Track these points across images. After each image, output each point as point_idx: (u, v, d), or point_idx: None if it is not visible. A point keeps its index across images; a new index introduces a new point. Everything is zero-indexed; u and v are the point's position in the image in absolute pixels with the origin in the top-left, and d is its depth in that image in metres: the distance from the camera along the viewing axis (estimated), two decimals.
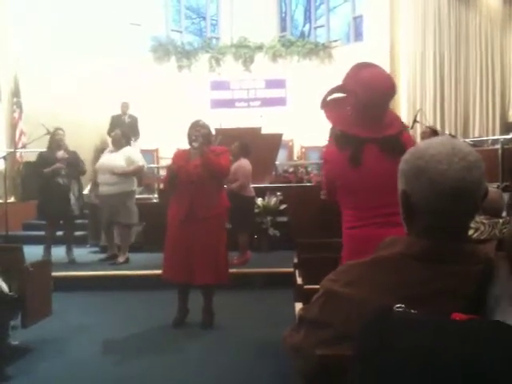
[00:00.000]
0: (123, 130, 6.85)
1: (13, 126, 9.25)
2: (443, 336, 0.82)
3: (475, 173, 1.01)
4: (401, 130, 2.32)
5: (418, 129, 8.47)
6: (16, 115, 9.26)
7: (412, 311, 0.89)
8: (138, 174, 6.43)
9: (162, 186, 6.26)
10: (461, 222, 1.06)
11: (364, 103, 2.20)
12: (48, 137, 6.80)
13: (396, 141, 2.21)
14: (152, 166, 9.79)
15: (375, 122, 2.26)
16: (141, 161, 6.42)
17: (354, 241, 2.28)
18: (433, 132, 6.27)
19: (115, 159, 6.29)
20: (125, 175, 6.21)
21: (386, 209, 2.08)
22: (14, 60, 9.12)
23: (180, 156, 4.34)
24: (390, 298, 0.95)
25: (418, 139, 8.55)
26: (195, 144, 4.15)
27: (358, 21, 11.89)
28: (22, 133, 9.20)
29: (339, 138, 2.32)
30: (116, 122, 9.49)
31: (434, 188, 1.01)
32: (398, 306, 0.89)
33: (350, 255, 2.22)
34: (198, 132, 4.17)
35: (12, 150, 8.43)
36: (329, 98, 2.35)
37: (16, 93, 9.28)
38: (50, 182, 6.25)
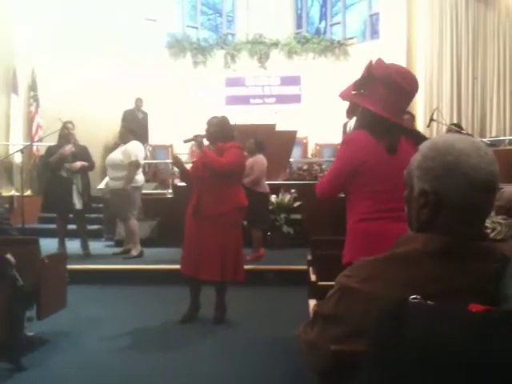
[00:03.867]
0: (128, 125, 6.90)
1: (29, 119, 9.36)
2: (460, 326, 0.81)
3: (496, 166, 1.04)
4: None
5: (435, 127, 8.41)
6: (33, 109, 9.37)
7: (428, 302, 0.88)
8: (133, 169, 6.31)
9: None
10: (485, 217, 1.07)
11: (399, 90, 2.17)
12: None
13: (423, 135, 2.21)
14: (166, 161, 9.83)
15: (402, 114, 2.26)
16: (134, 155, 6.33)
17: (364, 234, 2.20)
18: (459, 129, 6.21)
19: (116, 154, 6.44)
20: (124, 171, 6.26)
21: (398, 202, 2.05)
22: (31, 55, 9.22)
23: (197, 153, 4.41)
24: (406, 294, 0.94)
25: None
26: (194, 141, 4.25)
27: (374, 18, 11.82)
28: (38, 126, 9.31)
29: (374, 123, 2.22)
30: (128, 117, 9.53)
31: (470, 182, 1.01)
32: (414, 297, 0.89)
33: (358, 250, 2.16)
34: (205, 130, 4.24)
35: (28, 143, 8.51)
36: (356, 89, 2.28)
37: (33, 87, 9.39)
38: (54, 174, 6.28)
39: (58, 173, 6.24)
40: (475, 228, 1.05)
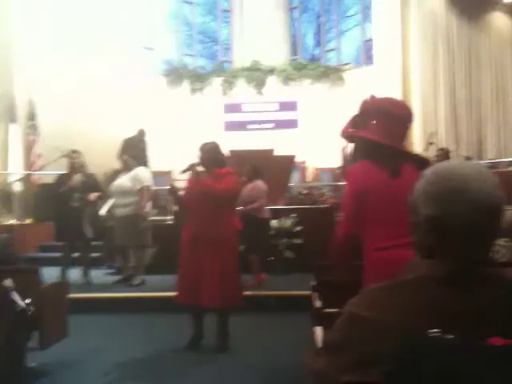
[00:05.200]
0: (132, 152, 6.92)
1: (28, 148, 9.39)
2: (485, 362, 0.82)
3: (500, 191, 1.04)
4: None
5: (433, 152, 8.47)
6: (31, 138, 9.41)
7: (447, 336, 0.88)
8: (145, 194, 6.35)
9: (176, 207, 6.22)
10: (491, 241, 1.07)
11: (395, 118, 2.25)
12: (64, 159, 6.88)
13: (422, 158, 2.26)
14: (166, 187, 9.83)
15: (401, 141, 2.31)
16: (146, 181, 6.39)
17: (380, 264, 2.19)
18: (446, 153, 6.28)
19: (124, 180, 6.40)
20: (134, 197, 6.25)
21: (407, 228, 2.07)
22: (29, 84, 9.30)
23: (190, 180, 4.39)
24: (415, 322, 0.95)
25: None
26: (190, 172, 4.26)
27: (368, 44, 11.99)
28: (37, 155, 9.34)
29: (374, 151, 2.29)
30: (130, 145, 9.49)
31: (474, 207, 1.01)
32: (433, 330, 0.89)
33: (375, 279, 2.13)
34: (198, 157, 4.26)
35: (28, 172, 8.53)
36: (352, 125, 2.38)
37: (31, 116, 9.45)
38: (63, 205, 6.27)
39: (69, 203, 6.23)
40: (481, 253, 1.05)
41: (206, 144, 4.35)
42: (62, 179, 6.38)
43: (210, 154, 4.29)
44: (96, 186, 6.49)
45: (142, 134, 9.70)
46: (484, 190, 1.02)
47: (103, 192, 6.53)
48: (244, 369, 3.87)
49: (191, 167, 4.24)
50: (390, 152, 2.28)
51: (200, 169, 4.27)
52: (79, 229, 6.24)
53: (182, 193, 4.56)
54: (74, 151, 6.53)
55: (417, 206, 1.12)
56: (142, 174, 6.49)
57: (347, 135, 2.42)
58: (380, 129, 2.29)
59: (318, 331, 2.48)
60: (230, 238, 4.28)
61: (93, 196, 6.25)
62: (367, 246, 2.32)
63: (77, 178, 6.29)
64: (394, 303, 1.04)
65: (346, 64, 12.12)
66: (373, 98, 2.38)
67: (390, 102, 2.35)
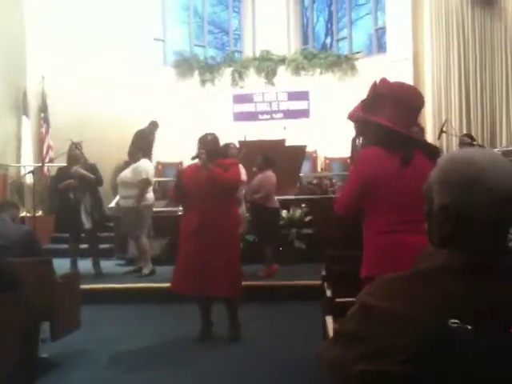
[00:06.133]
0: (140, 144, 6.94)
1: (40, 141, 9.44)
2: (504, 350, 0.79)
3: None
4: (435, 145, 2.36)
5: (445, 140, 8.39)
6: (43, 130, 9.46)
7: (468, 327, 0.86)
8: (144, 187, 6.36)
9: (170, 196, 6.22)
10: (508, 230, 1.04)
11: (405, 104, 2.22)
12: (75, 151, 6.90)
13: (435, 147, 2.24)
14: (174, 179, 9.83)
15: (411, 127, 2.29)
16: (145, 174, 6.39)
17: (382, 247, 2.22)
18: (471, 140, 6.23)
19: (126, 172, 6.50)
20: (134, 189, 6.29)
21: (414, 215, 2.06)
22: (41, 76, 9.33)
23: (190, 169, 4.39)
24: (433, 312, 0.92)
25: (445, 149, 8.46)
26: (199, 161, 4.23)
27: (380, 32, 11.86)
28: (49, 147, 9.38)
29: (387, 138, 2.28)
30: (140, 137, 9.39)
31: (491, 196, 0.99)
32: (453, 321, 0.87)
33: (376, 263, 2.19)
34: (202, 149, 4.23)
35: (39, 164, 8.58)
36: (364, 110, 2.34)
37: (43, 108, 9.49)
38: (62, 196, 6.40)
39: (66, 194, 6.34)
40: (498, 243, 1.02)
41: (207, 135, 4.37)
42: (63, 171, 6.48)
43: (213, 146, 4.32)
44: (94, 174, 6.45)
45: (153, 125, 9.64)
46: (500, 179, 0.99)
47: (99, 179, 6.50)
48: (256, 357, 3.88)
49: (200, 155, 4.22)
50: (401, 139, 2.25)
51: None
52: (77, 220, 6.28)
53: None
54: (73, 143, 6.58)
55: (431, 194, 1.10)
56: (144, 166, 6.51)
57: (357, 119, 2.38)
58: (392, 115, 2.25)
59: (330, 320, 2.47)
60: (234, 228, 4.33)
61: (64, 184, 6.27)
62: (367, 231, 2.33)
63: (74, 169, 6.32)
64: (408, 294, 1.02)
65: (358, 52, 12.00)
66: (384, 81, 2.33)
67: (401, 87, 2.31)
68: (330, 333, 2.43)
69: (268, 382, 3.41)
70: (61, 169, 6.61)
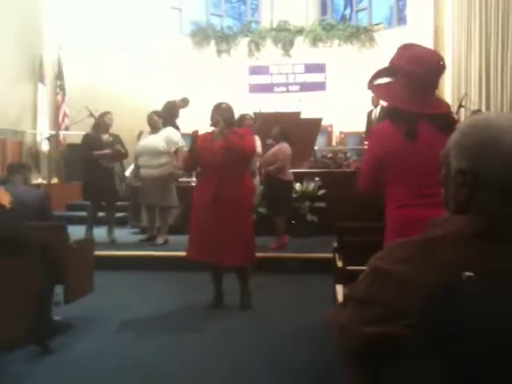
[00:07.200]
0: (159, 112, 6.87)
1: (56, 108, 9.47)
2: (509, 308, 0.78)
3: None
4: (450, 110, 2.29)
5: (463, 114, 8.24)
6: (59, 98, 9.48)
7: (478, 281, 0.85)
8: (180, 156, 6.37)
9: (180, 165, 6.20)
10: None
11: (414, 78, 2.17)
12: (91, 119, 6.91)
13: (448, 118, 2.19)
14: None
15: (425, 99, 2.24)
16: (181, 141, 6.42)
17: (399, 221, 2.22)
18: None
19: (156, 141, 6.29)
20: (166, 158, 6.25)
21: (431, 189, 2.04)
22: (58, 44, 9.31)
23: (203, 138, 4.32)
24: (447, 275, 0.91)
25: None
26: (216, 128, 4.19)
27: (401, 4, 11.61)
28: (65, 115, 9.41)
29: (393, 113, 2.29)
30: (168, 107, 9.06)
31: (507, 160, 0.96)
32: (468, 274, 0.86)
33: (394, 236, 2.18)
34: (219, 116, 4.18)
35: (56, 132, 8.61)
36: (376, 79, 2.31)
37: (59, 76, 9.50)
38: (93, 164, 6.34)
39: (98, 162, 6.33)
40: None
41: (222, 103, 4.33)
42: (92, 138, 6.45)
43: (229, 114, 4.28)
44: (121, 146, 6.54)
45: (183, 101, 9.36)
46: None
47: (125, 152, 6.57)
48: (266, 326, 3.93)
49: (218, 122, 4.18)
50: (404, 114, 2.24)
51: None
52: (112, 188, 6.37)
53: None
54: (108, 112, 6.57)
55: (449, 159, 1.07)
56: (175, 135, 6.49)
57: (370, 88, 2.36)
58: (403, 89, 2.23)
59: (340, 289, 2.47)
60: (248, 198, 4.34)
61: (102, 153, 6.31)
62: (389, 206, 2.33)
63: (106, 138, 6.36)
64: (421, 258, 1.01)
65: (378, 24, 11.76)
66: (399, 50, 2.27)
67: (412, 58, 2.22)
68: (340, 300, 2.44)
69: (277, 349, 3.45)
70: (88, 136, 6.53)
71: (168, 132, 6.42)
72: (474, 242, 0.98)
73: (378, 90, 2.33)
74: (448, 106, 2.41)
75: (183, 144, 6.41)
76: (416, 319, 0.89)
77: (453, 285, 0.86)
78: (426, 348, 0.85)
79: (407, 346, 0.89)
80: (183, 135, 9.66)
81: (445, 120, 2.22)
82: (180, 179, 6.83)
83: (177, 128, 7.53)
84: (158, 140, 6.29)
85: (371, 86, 2.34)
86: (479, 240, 0.97)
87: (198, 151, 4.24)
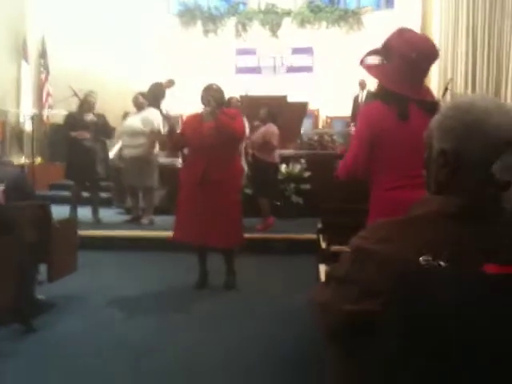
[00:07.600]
0: (144, 93, 6.83)
1: (40, 87, 9.33)
2: (474, 288, 0.80)
3: None
4: (436, 100, 2.32)
5: (449, 98, 8.28)
6: (43, 77, 9.33)
7: (440, 263, 0.87)
8: (155, 136, 6.33)
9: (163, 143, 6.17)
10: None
11: (409, 61, 2.19)
12: (75, 99, 6.83)
13: (434, 104, 2.21)
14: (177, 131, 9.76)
15: (415, 84, 2.26)
16: (157, 123, 6.35)
17: (387, 203, 2.21)
18: None
19: (135, 121, 6.34)
20: (144, 139, 6.23)
21: (418, 170, 2.06)
22: (42, 22, 9.14)
23: (193, 119, 4.32)
24: (412, 253, 0.93)
25: None
26: (208, 108, 4.15)
27: None
28: (48, 94, 9.28)
29: (385, 94, 2.28)
30: (153, 89, 9.01)
31: (491, 142, 0.97)
32: (424, 258, 0.88)
33: (380, 217, 2.18)
34: (210, 96, 4.15)
35: (39, 111, 8.50)
36: (369, 59, 2.31)
37: (43, 54, 9.34)
38: (76, 144, 6.29)
39: (80, 142, 6.26)
40: (495, 191, 1.02)
41: (212, 84, 4.31)
42: (74, 116, 6.37)
43: (220, 94, 4.26)
44: (105, 125, 6.50)
45: (169, 82, 9.31)
46: (502, 125, 0.97)
47: (110, 132, 6.51)
48: (250, 304, 3.98)
49: (209, 102, 4.14)
50: (396, 96, 2.24)
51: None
52: (92, 168, 6.31)
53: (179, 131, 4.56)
54: (92, 91, 6.51)
55: (431, 140, 1.08)
56: (154, 115, 6.45)
57: (363, 66, 2.37)
58: (396, 71, 2.24)
59: (323, 268, 2.51)
60: (236, 179, 4.37)
61: (80, 133, 6.24)
62: (373, 187, 2.33)
63: (89, 117, 6.29)
64: (401, 238, 1.02)
65: (366, 7, 11.71)
66: (396, 32, 2.28)
67: (408, 42, 2.24)
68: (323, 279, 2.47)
69: (262, 329, 3.49)
70: (71, 115, 6.49)
71: (147, 112, 6.41)
72: (452, 222, 0.99)
73: (371, 69, 2.33)
74: (433, 97, 2.44)
75: (159, 126, 6.35)
76: (387, 298, 0.90)
77: (423, 265, 0.88)
78: (393, 327, 0.87)
79: (379, 324, 0.91)
80: (172, 117, 9.61)
81: (431, 105, 2.23)
82: (161, 160, 6.80)
83: (160, 110, 7.47)
84: (136, 120, 6.33)
85: (364, 64, 2.35)
86: (456, 220, 0.99)
87: (185, 132, 4.22)
